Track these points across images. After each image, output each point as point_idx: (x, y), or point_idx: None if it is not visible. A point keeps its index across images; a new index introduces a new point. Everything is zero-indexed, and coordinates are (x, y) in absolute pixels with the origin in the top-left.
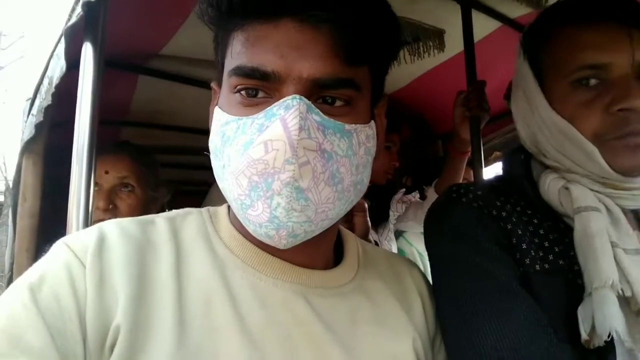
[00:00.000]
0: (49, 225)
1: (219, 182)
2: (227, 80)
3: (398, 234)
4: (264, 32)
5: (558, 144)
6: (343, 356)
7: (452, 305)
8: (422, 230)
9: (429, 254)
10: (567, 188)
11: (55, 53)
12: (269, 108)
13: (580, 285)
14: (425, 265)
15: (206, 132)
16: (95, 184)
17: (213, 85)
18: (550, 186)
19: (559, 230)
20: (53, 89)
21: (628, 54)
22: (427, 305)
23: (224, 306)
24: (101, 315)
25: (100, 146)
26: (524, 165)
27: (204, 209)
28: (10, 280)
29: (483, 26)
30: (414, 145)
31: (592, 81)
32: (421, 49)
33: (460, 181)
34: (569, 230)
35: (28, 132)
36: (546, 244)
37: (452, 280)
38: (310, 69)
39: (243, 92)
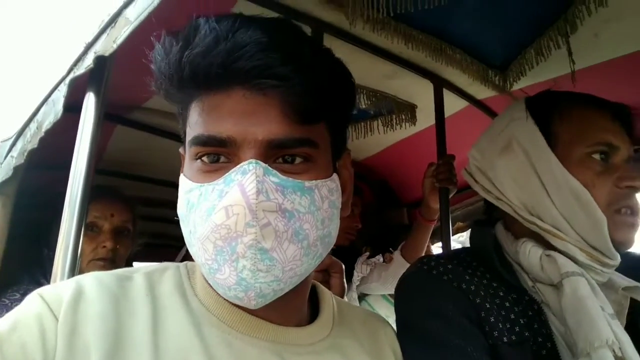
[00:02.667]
0: (11, 269)
1: (189, 247)
2: (189, 150)
3: (361, 297)
4: (217, 101)
5: (566, 208)
6: None
7: None
8: (385, 293)
9: (398, 324)
10: (548, 255)
11: (50, 99)
12: (227, 174)
13: (544, 355)
14: None
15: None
16: (94, 225)
17: (181, 151)
18: (531, 253)
19: (523, 303)
20: (42, 134)
21: (628, 145)
22: None
23: None
24: None
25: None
26: (492, 238)
27: (181, 264)
28: None
29: (452, 104)
30: (377, 211)
31: (602, 157)
32: (394, 121)
33: (425, 247)
34: (533, 302)
35: (4, 173)
36: (512, 316)
37: (424, 355)
38: (264, 132)
39: (204, 159)
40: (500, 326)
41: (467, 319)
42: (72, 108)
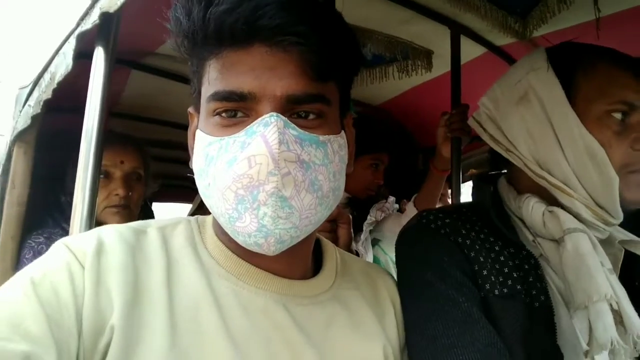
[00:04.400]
0: (35, 213)
1: (205, 200)
2: (206, 105)
3: (374, 242)
4: (237, 58)
5: (579, 164)
6: (315, 358)
7: (417, 326)
8: None
9: (398, 274)
10: (551, 212)
11: (62, 51)
12: (249, 126)
13: (536, 307)
14: None
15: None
16: (106, 173)
17: (190, 110)
18: (534, 208)
19: (519, 257)
20: (55, 85)
21: None
22: (399, 315)
23: (211, 312)
24: (97, 314)
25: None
26: (492, 195)
27: (192, 219)
28: None
29: (469, 50)
30: (399, 160)
31: (621, 116)
32: (409, 67)
33: (438, 197)
34: (530, 256)
35: (23, 121)
36: (506, 270)
37: (419, 303)
38: (283, 87)
39: (223, 114)
40: (493, 279)
41: (461, 271)
42: (84, 55)
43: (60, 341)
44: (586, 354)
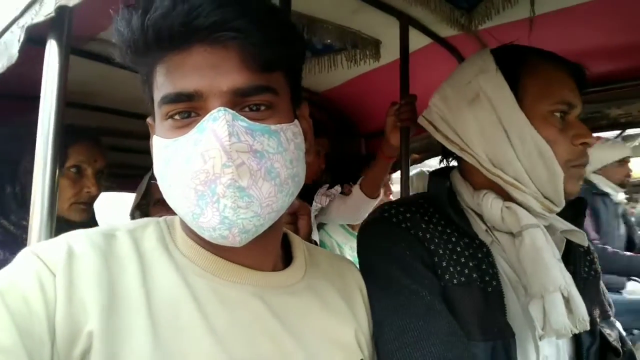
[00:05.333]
0: None
1: (169, 201)
2: (159, 111)
3: (320, 226)
4: (181, 60)
5: (529, 161)
6: (295, 345)
7: (385, 320)
8: (343, 224)
9: (362, 268)
10: (508, 207)
11: (2, 40)
12: (199, 123)
13: (489, 292)
14: (344, 255)
15: (140, 116)
16: (78, 168)
17: (149, 120)
18: (492, 205)
19: (473, 247)
20: None
21: (580, 103)
22: (366, 301)
23: (190, 309)
24: (70, 321)
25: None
26: (447, 191)
27: (161, 220)
28: None
29: (415, 41)
30: (338, 145)
31: (561, 115)
32: (358, 56)
33: (383, 180)
34: (483, 245)
35: None
36: (462, 260)
37: (385, 298)
38: (229, 82)
39: (176, 117)
40: (452, 270)
41: (422, 264)
42: (32, 42)
43: (32, 350)
44: (541, 337)
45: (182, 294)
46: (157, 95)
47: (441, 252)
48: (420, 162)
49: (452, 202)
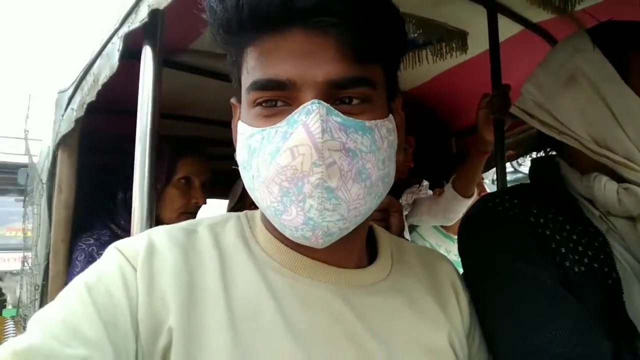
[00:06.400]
0: (82, 216)
1: (251, 193)
2: (246, 96)
3: (411, 229)
4: (275, 44)
5: None
6: (382, 351)
7: (503, 309)
8: (436, 225)
9: (466, 262)
10: (626, 189)
11: (105, 52)
12: (290, 115)
13: (609, 285)
14: None
15: (224, 124)
16: (188, 179)
17: (233, 101)
18: (607, 187)
19: (589, 235)
20: (99, 87)
21: None
22: (460, 298)
23: (270, 308)
24: (152, 316)
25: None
26: (557, 172)
27: (242, 214)
28: (46, 269)
29: (505, 29)
30: (425, 144)
31: None
32: (444, 50)
33: (477, 178)
34: (599, 234)
35: (66, 125)
36: (580, 248)
37: (499, 288)
38: (324, 72)
39: (264, 104)
40: (571, 257)
41: (538, 249)
42: (129, 56)
43: (118, 344)
44: None
45: (262, 292)
46: (247, 80)
47: (558, 238)
48: (515, 159)
49: (562, 188)
